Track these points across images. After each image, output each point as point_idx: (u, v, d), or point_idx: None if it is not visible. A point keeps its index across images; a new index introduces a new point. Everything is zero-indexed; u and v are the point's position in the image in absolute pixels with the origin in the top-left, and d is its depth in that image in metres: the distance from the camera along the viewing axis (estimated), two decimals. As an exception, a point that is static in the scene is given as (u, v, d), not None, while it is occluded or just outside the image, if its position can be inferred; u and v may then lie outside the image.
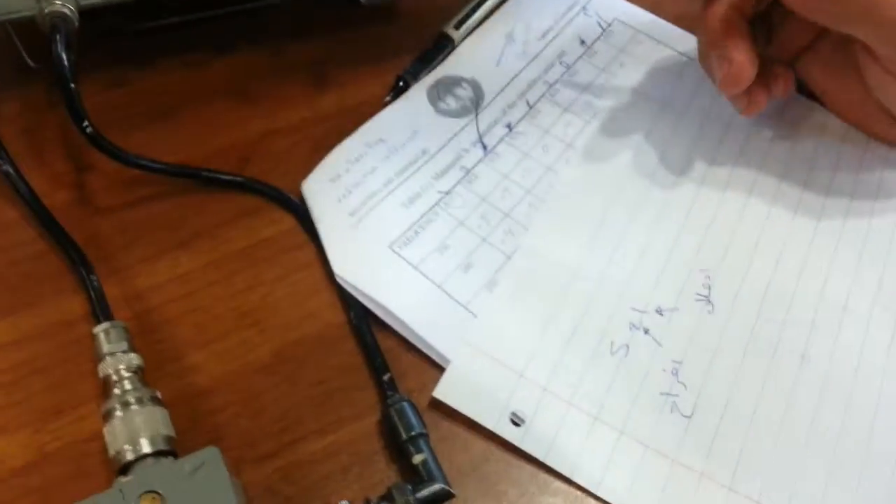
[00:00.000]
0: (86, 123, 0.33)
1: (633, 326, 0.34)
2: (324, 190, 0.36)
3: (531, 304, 0.34)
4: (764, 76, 0.37)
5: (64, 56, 0.32)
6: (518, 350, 0.32)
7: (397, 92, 0.41)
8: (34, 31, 0.34)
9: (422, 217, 0.36)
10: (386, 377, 0.31)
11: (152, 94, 0.40)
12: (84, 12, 0.35)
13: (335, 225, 0.35)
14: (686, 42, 0.43)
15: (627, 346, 0.33)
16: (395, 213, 0.36)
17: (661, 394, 0.32)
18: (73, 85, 0.33)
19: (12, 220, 0.35)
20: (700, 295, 0.35)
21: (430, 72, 0.42)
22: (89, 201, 0.36)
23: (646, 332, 0.34)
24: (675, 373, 0.33)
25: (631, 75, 0.42)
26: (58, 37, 0.33)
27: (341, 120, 0.40)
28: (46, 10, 0.33)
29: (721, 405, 0.32)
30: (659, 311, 0.34)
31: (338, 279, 0.34)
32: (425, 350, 0.33)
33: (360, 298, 0.33)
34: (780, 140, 0.40)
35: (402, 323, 0.33)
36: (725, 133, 0.40)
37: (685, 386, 0.33)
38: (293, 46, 0.43)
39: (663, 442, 0.31)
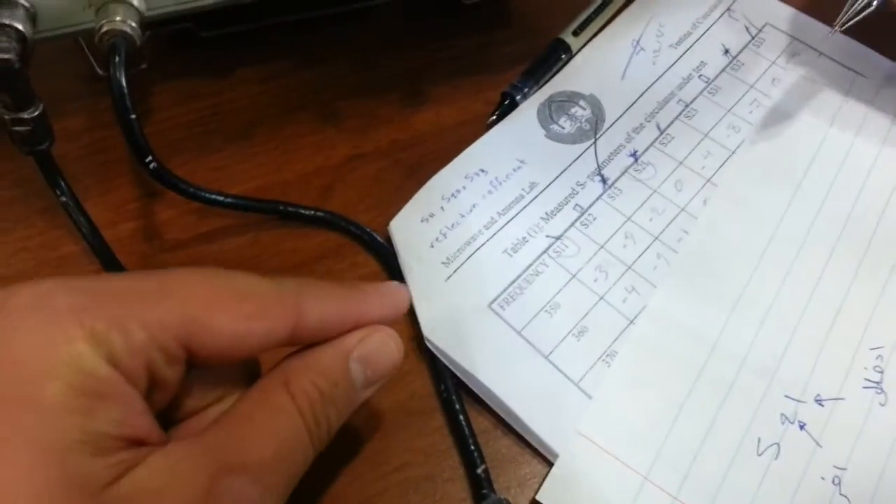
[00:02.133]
0: (149, 159, 0.29)
1: (785, 419, 0.28)
2: (415, 232, 0.31)
3: (659, 385, 0.28)
4: None
5: (123, 82, 0.28)
6: (643, 446, 0.27)
7: (503, 111, 0.35)
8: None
9: (528, 268, 0.30)
10: (480, 469, 0.27)
11: (229, 110, 0.36)
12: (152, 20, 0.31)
13: (426, 276, 0.30)
14: (855, 54, 0.36)
15: (778, 446, 0.27)
16: (497, 262, 0.31)
17: (820, 510, 0.26)
18: (133, 116, 0.28)
19: (73, 254, 0.32)
20: (870, 381, 0.28)
21: (542, 86, 0.36)
22: (157, 234, 0.32)
23: (801, 427, 0.27)
24: (838, 482, 0.26)
25: (786, 94, 0.35)
26: (116, 59, 0.28)
27: (438, 143, 0.35)
28: (104, 28, 0.28)
29: (896, 529, 0.26)
30: (819, 401, 0.28)
31: (427, 343, 0.29)
32: (527, 437, 0.27)
33: (452, 368, 0.28)
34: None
35: (501, 403, 0.27)
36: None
37: (849, 501, 0.26)
38: (386, 57, 0.38)
39: (821, 576, 0.25)
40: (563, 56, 0.36)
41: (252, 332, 0.20)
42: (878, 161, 0.33)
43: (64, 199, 0.31)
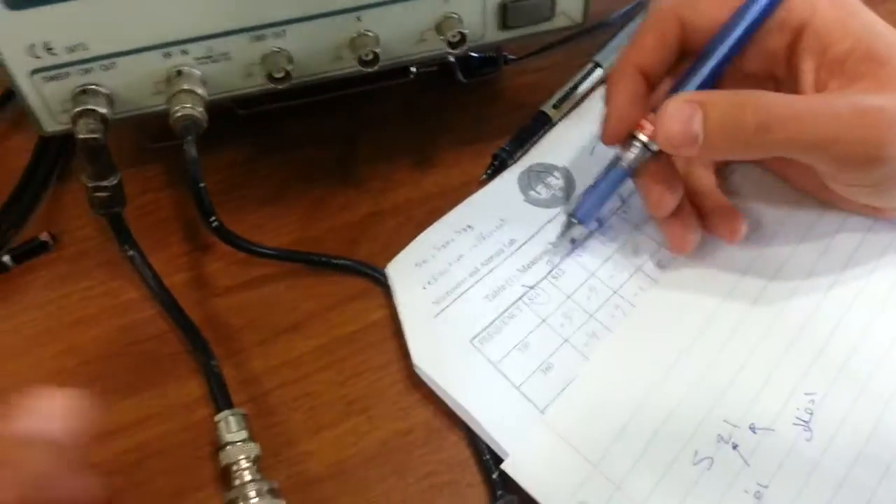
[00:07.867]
0: (213, 219, 0.36)
1: (721, 439, 0.33)
2: (409, 275, 0.38)
3: (617, 395, 0.34)
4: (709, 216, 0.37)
5: (195, 157, 0.34)
6: (596, 440, 0.33)
7: (494, 170, 0.43)
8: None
9: (505, 311, 0.37)
10: (495, 474, 0.32)
11: (261, 176, 0.43)
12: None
13: (417, 313, 0.37)
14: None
15: (712, 459, 0.32)
16: (478, 305, 0.37)
17: (740, 516, 0.32)
18: (202, 184, 0.35)
19: (135, 300, 0.38)
20: (800, 420, 0.34)
21: (527, 150, 0.43)
22: (206, 283, 0.39)
23: (734, 447, 0.33)
24: (759, 496, 0.31)
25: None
26: (189, 138, 0.34)
27: (444, 200, 0.42)
28: (178, 114, 0.34)
29: (801, 540, 0.31)
30: (752, 429, 0.33)
31: (416, 369, 0.35)
32: (500, 455, 0.33)
33: (437, 391, 0.35)
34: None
35: (478, 424, 0.34)
36: (864, 238, 0.38)
37: (768, 513, 0.32)
38: (398, 128, 0.45)
39: (732, 566, 0.31)
40: (545, 125, 0.44)
41: None
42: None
43: (131, 252, 0.37)
